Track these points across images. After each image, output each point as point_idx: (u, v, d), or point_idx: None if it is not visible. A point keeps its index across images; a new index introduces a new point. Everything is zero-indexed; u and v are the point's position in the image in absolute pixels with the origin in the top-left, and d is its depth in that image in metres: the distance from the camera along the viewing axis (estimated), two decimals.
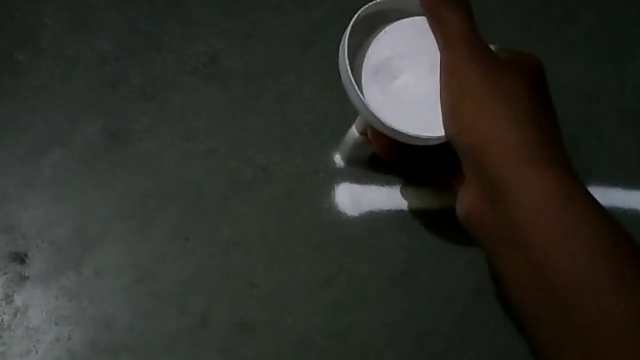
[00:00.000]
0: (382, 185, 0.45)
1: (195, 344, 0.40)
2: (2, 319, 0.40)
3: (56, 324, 0.40)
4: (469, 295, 0.42)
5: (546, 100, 0.34)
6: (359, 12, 0.35)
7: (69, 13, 0.48)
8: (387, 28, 0.37)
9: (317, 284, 0.42)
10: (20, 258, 0.41)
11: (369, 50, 0.37)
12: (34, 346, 0.40)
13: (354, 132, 0.42)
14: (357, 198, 0.44)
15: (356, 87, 0.34)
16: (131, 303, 0.41)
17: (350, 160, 0.45)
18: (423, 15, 0.36)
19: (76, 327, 0.40)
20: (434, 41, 0.36)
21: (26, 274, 0.41)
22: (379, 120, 0.34)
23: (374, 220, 0.44)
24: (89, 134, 0.45)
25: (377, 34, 0.37)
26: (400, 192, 0.45)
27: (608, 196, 0.45)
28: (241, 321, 0.40)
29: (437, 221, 0.44)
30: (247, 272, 0.42)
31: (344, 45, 0.35)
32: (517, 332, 0.41)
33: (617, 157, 0.47)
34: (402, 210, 0.44)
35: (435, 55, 0.35)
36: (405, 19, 0.37)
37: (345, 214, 0.44)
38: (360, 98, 0.34)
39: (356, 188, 0.45)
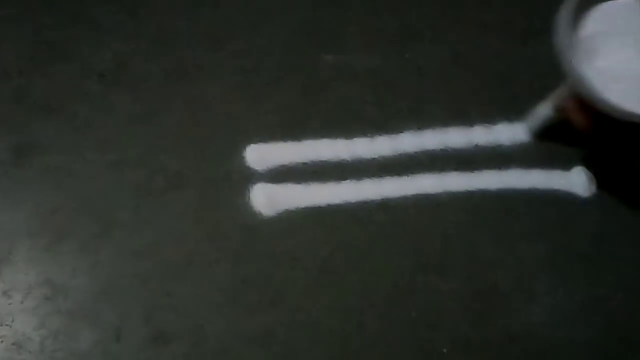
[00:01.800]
0: (297, 183, 0.44)
1: (110, 359, 0.39)
2: None
3: None
4: (389, 289, 0.41)
5: None
6: None
7: None
8: (598, 8, 0.39)
9: (233, 287, 0.41)
10: None
11: (581, 27, 0.39)
12: None
13: (547, 107, 0.43)
14: (272, 197, 0.43)
15: (574, 62, 0.36)
16: (42, 322, 0.40)
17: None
18: None
19: None
20: None
21: None
22: (594, 95, 0.36)
23: (290, 218, 0.43)
24: None
25: (589, 13, 0.39)
26: None
27: (528, 178, 0.45)
28: (156, 332, 0.39)
29: (353, 214, 0.43)
30: (161, 281, 0.41)
31: (566, 20, 0.37)
32: (438, 322, 0.41)
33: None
34: (317, 207, 0.43)
35: None
36: (617, 1, 0.39)
37: (261, 214, 0.43)
38: (578, 72, 0.36)
39: (271, 187, 0.44)
